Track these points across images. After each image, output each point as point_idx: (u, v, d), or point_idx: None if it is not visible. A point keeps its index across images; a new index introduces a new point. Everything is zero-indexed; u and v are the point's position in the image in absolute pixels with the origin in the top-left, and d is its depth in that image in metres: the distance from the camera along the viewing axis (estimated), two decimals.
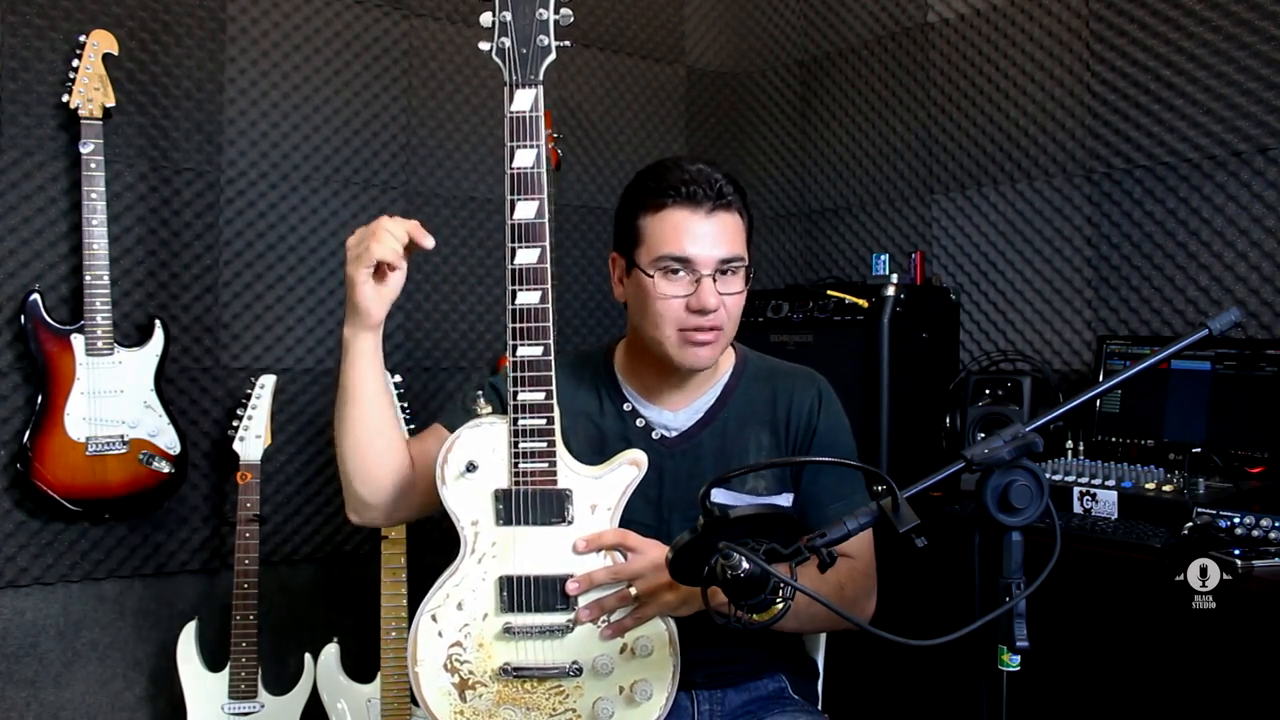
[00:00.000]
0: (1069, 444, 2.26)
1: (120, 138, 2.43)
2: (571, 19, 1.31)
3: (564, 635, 1.34)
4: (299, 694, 2.39)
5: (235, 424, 2.37)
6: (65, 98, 2.27)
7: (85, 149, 2.26)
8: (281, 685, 2.39)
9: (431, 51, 2.90)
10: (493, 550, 1.35)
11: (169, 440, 2.37)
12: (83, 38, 2.28)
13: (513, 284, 1.32)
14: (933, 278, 2.79)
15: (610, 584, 1.34)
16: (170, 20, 2.50)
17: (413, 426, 2.45)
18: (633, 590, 1.33)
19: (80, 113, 2.26)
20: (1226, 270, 2.24)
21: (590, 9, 3.15)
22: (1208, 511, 1.75)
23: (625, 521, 1.36)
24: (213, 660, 2.36)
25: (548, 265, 1.32)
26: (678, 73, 3.38)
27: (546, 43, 1.31)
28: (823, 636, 1.68)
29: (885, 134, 2.99)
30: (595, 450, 1.46)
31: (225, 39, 2.58)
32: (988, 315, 2.71)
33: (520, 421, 1.32)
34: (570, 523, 1.34)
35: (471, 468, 1.34)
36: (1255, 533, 1.68)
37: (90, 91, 2.26)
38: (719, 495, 1.45)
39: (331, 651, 2.41)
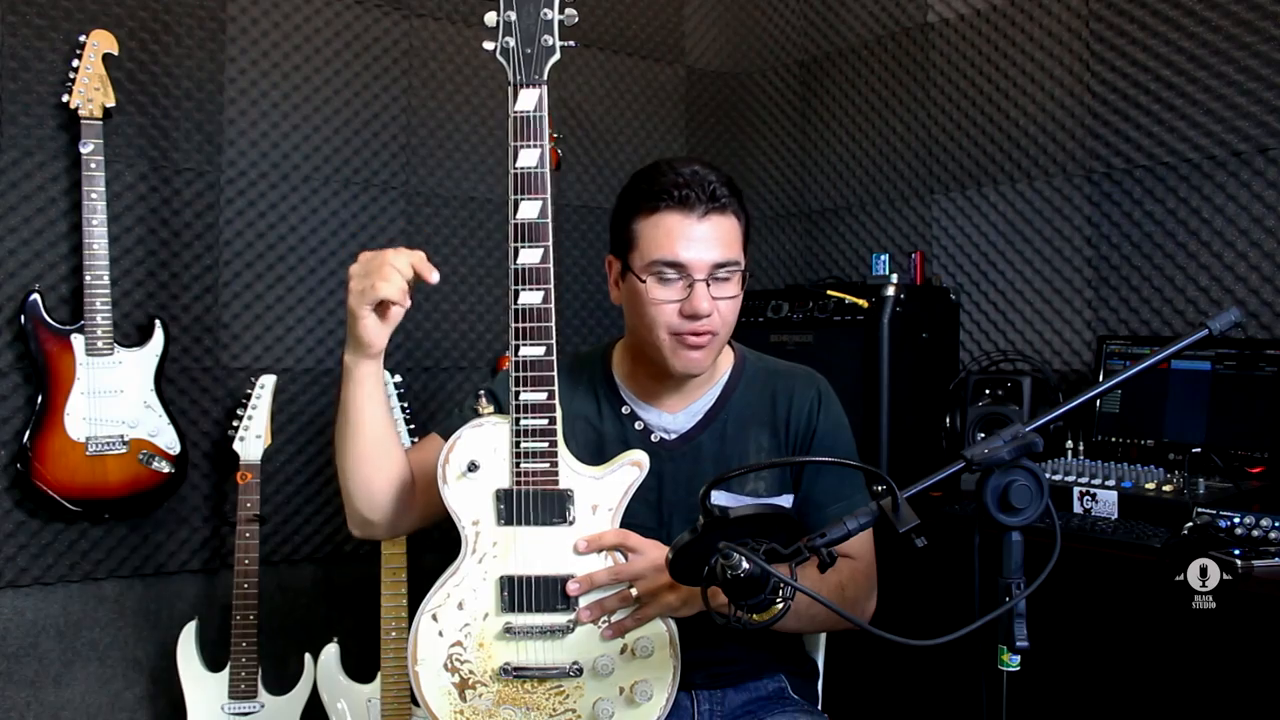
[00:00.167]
0: (1069, 444, 2.26)
1: (120, 138, 2.43)
2: (576, 19, 1.30)
3: (564, 635, 1.34)
4: (299, 694, 2.39)
5: (235, 424, 2.37)
6: (65, 98, 2.27)
7: (85, 149, 2.25)
8: (281, 685, 2.39)
9: (431, 51, 2.89)
10: (494, 550, 1.35)
11: (169, 440, 2.36)
12: (83, 38, 2.28)
13: (515, 284, 1.32)
14: (933, 278, 2.79)
15: (611, 584, 1.34)
16: (170, 20, 2.50)
17: (412, 427, 2.45)
18: (633, 591, 1.33)
19: (80, 113, 2.25)
20: (1226, 270, 2.24)
21: (590, 9, 3.15)
22: (1208, 511, 1.76)
23: (625, 524, 1.36)
24: (213, 660, 2.36)
25: (550, 265, 1.31)
26: (678, 73, 3.38)
27: (551, 43, 1.30)
28: (823, 636, 1.68)
29: (885, 134, 2.99)
30: (594, 454, 1.45)
31: (225, 39, 2.58)
32: (988, 315, 2.71)
33: (522, 421, 1.32)
34: (571, 523, 1.34)
35: (473, 467, 1.34)
36: (1255, 533, 1.69)
37: (90, 91, 2.26)
38: (719, 496, 1.45)
39: (331, 651, 2.41)
